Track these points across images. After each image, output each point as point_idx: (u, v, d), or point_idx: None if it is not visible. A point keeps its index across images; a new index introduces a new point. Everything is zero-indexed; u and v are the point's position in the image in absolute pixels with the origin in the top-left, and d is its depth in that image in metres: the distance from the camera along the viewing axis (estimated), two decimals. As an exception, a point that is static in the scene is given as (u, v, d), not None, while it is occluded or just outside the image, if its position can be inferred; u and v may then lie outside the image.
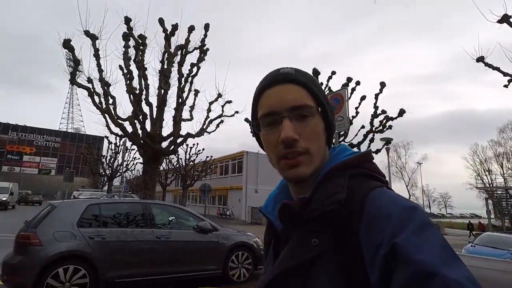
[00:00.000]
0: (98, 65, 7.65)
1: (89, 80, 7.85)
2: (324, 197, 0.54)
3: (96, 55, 7.57)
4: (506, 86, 7.15)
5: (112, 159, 23.80)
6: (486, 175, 44.25)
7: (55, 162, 65.35)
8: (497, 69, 7.21)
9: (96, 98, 7.74)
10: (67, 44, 6.80)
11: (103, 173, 24.86)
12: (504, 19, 6.14)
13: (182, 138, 9.08)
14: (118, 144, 23.55)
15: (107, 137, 22.07)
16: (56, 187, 58.26)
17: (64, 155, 66.40)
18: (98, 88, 7.91)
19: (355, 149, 0.66)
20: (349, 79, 11.58)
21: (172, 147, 8.81)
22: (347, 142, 11.07)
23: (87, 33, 7.44)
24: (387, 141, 13.46)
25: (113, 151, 23.90)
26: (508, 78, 7.00)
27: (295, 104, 0.59)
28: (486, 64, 7.37)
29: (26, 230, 4.52)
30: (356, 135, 11.74)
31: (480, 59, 7.42)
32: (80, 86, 7.31)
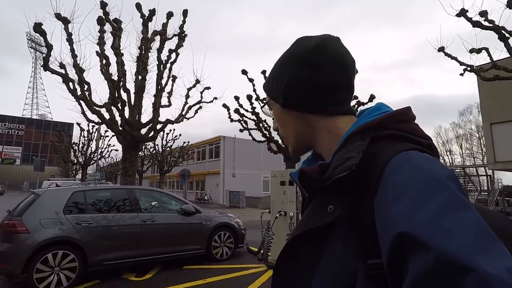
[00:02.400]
0: (72, 50, 7.39)
1: (62, 66, 7.59)
2: (337, 163, 0.52)
3: (69, 40, 7.28)
4: (461, 74, 7.87)
5: (85, 146, 22.99)
6: (447, 156, 47.72)
7: (19, 151, 61.66)
8: (455, 58, 7.89)
9: (70, 85, 7.54)
10: (38, 28, 6.50)
11: (76, 161, 24.03)
12: (462, 13, 6.71)
13: (162, 125, 9.12)
14: (91, 131, 22.75)
15: (78, 124, 21.20)
16: (22, 177, 55.31)
17: (29, 143, 62.73)
18: (72, 74, 7.69)
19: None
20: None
21: (152, 133, 8.84)
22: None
23: (58, 16, 7.12)
24: (359, 125, 14.22)
25: (85, 138, 23.08)
26: (464, 67, 7.69)
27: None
28: (446, 54, 8.02)
29: (11, 219, 4.56)
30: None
31: (441, 49, 8.06)
32: (54, 72, 7.06)
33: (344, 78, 0.63)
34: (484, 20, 6.84)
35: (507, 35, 6.67)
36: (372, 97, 12.98)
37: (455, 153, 46.50)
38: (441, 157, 46.24)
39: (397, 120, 0.56)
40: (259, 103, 12.80)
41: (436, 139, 49.14)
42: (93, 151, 23.15)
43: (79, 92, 7.66)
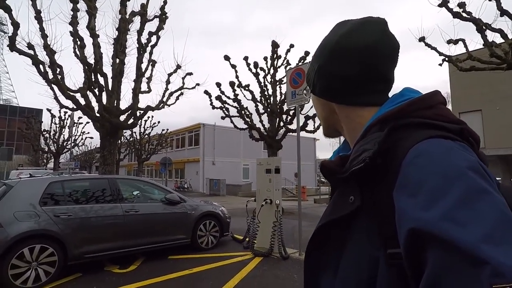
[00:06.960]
0: (41, 29, 6.79)
1: (30, 47, 7.00)
2: (354, 155, 0.52)
3: (38, 18, 6.68)
4: (440, 64, 8.10)
5: (57, 134, 21.66)
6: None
7: (-18, 138, 57.50)
8: (435, 49, 8.10)
9: (41, 67, 6.99)
10: (2, 3, 5.90)
11: (47, 149, 22.67)
12: (443, 3, 6.84)
13: (142, 111, 8.74)
14: (63, 118, 21.43)
15: (49, 110, 19.83)
16: (-15, 166, 51.86)
17: (-7, 130, 58.58)
18: (42, 56, 7.12)
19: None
20: (307, 53, 11.96)
21: (131, 120, 8.45)
22: (303, 114, 11.63)
23: (24, -9, 6.52)
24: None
25: (57, 125, 21.71)
26: (443, 57, 7.91)
27: None
28: (426, 44, 8.21)
29: (-20, 212, 4.23)
30: (311, 107, 12.37)
31: (422, 39, 8.23)
32: (22, 53, 6.48)
33: (373, 70, 0.59)
34: (462, 11, 7.02)
35: (484, 27, 6.90)
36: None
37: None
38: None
39: (421, 106, 0.53)
40: (241, 90, 12.60)
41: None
42: (65, 138, 21.97)
43: (50, 76, 7.11)
